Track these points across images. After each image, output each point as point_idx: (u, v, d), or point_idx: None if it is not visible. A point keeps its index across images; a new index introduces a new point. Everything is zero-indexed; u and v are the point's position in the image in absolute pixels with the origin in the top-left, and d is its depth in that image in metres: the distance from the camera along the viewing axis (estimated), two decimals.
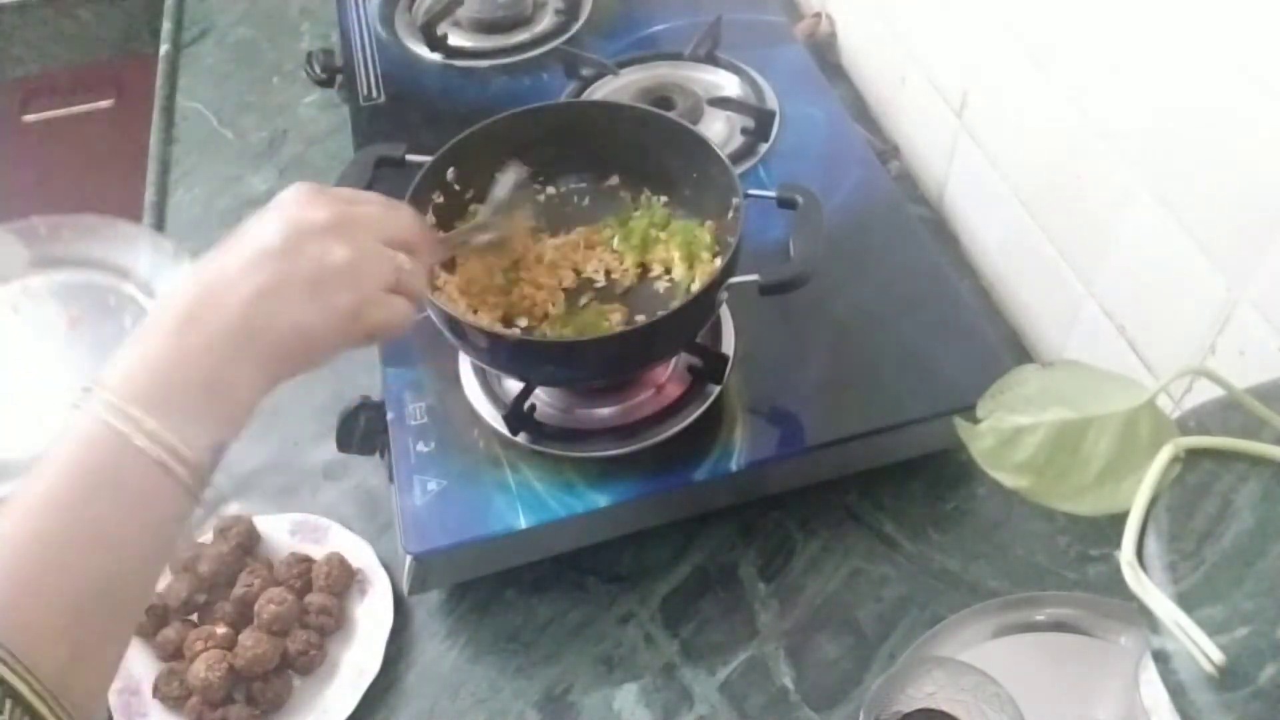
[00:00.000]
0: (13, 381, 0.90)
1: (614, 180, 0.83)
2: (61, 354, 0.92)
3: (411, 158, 0.77)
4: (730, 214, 0.74)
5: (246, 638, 0.71)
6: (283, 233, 0.49)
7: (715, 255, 0.76)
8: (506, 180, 0.73)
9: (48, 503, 0.44)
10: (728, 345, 0.79)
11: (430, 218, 0.75)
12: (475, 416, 0.76)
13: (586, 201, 0.83)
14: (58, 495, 0.44)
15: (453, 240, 0.71)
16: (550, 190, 0.83)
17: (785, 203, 0.74)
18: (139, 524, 0.45)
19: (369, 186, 0.76)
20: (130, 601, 0.47)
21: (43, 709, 0.40)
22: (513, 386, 0.77)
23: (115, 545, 0.45)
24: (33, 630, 0.42)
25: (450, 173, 0.77)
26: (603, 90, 1.02)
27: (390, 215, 0.55)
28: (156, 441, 0.44)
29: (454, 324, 0.68)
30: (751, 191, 0.74)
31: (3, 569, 0.42)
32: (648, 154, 0.80)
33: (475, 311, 0.74)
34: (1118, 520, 0.42)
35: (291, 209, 0.50)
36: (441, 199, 0.76)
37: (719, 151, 0.75)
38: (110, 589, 0.45)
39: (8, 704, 0.39)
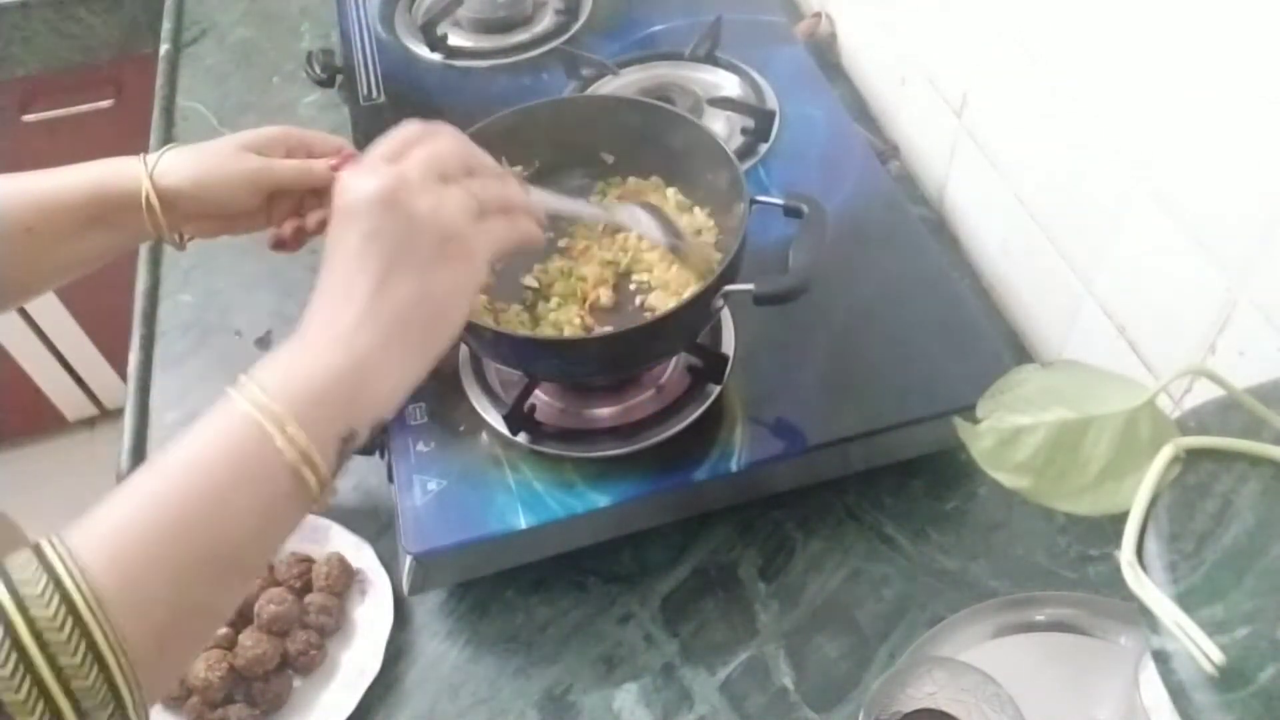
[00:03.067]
0: None
1: (620, 179, 0.82)
2: None
3: None
4: (736, 219, 0.74)
5: (246, 638, 0.71)
6: (356, 229, 0.50)
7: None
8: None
9: (186, 475, 0.46)
10: (728, 345, 0.79)
11: None
12: (475, 416, 0.76)
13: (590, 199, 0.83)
14: (195, 470, 0.46)
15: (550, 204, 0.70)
16: (563, 185, 0.83)
17: (791, 211, 0.74)
18: (259, 519, 0.47)
19: None
20: (230, 591, 0.49)
21: (110, 660, 0.41)
22: (513, 386, 0.77)
23: (232, 534, 0.46)
24: (137, 588, 0.43)
25: None
26: (603, 90, 1.02)
27: (433, 152, 0.54)
28: (295, 445, 0.46)
29: None
30: (760, 198, 0.74)
31: (132, 525, 0.44)
32: (655, 152, 0.80)
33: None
34: (1118, 520, 0.42)
35: (349, 198, 0.51)
36: None
37: (729, 152, 0.74)
38: (216, 574, 0.46)
39: (83, 651, 0.41)
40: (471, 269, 0.52)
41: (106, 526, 0.44)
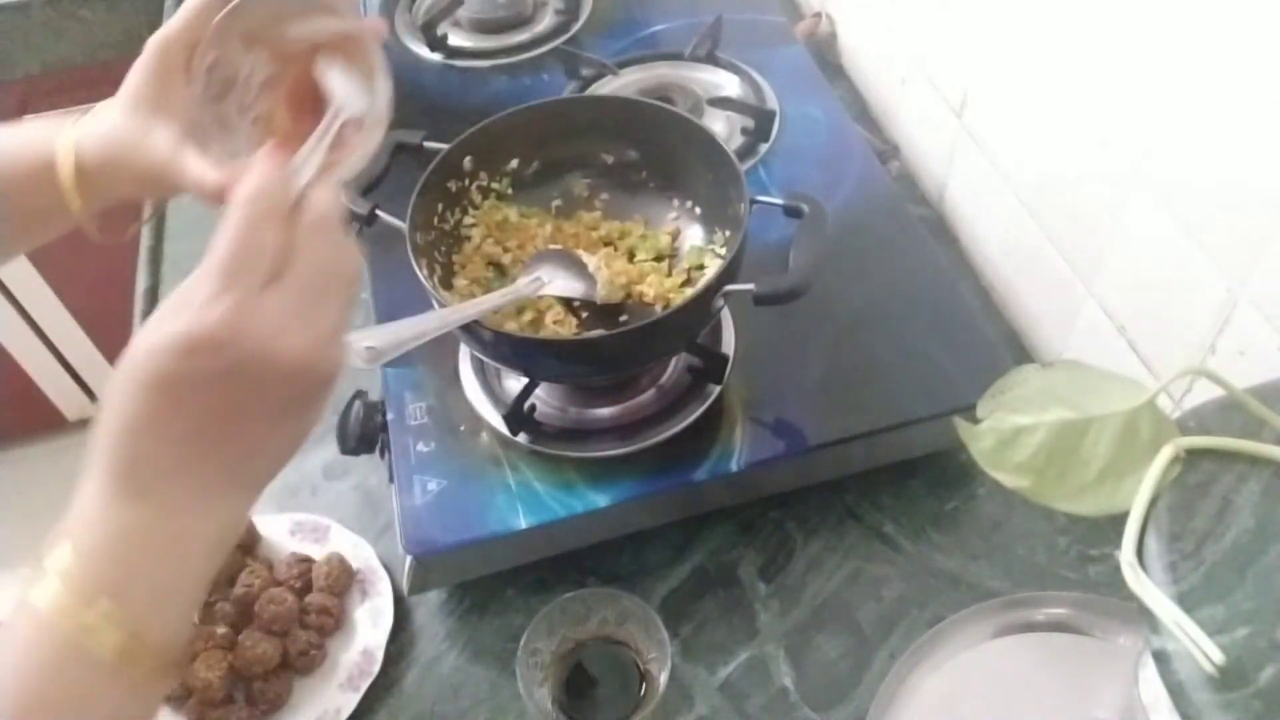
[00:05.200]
0: None
1: (630, 178, 0.82)
2: None
3: (429, 144, 0.78)
4: (736, 219, 0.74)
5: (246, 638, 0.71)
6: (198, 409, 0.40)
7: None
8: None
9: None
10: (728, 345, 0.79)
11: (438, 207, 0.76)
12: (475, 416, 0.76)
13: (605, 195, 0.83)
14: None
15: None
16: (563, 184, 0.83)
17: (791, 211, 0.74)
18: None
19: (385, 171, 0.76)
20: None
21: None
22: (513, 386, 0.77)
23: None
24: None
25: (468, 161, 0.78)
26: (603, 90, 1.02)
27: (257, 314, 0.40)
28: (117, 626, 0.39)
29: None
30: (760, 198, 0.74)
31: None
32: (654, 152, 0.80)
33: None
34: (1118, 520, 0.42)
35: (173, 370, 0.39)
36: (455, 186, 0.78)
37: (729, 152, 0.75)
38: None
39: None
40: (324, 405, 0.44)
41: None
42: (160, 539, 0.40)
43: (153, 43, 0.57)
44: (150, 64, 0.57)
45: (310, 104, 0.53)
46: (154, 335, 0.39)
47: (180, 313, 0.39)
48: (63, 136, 0.58)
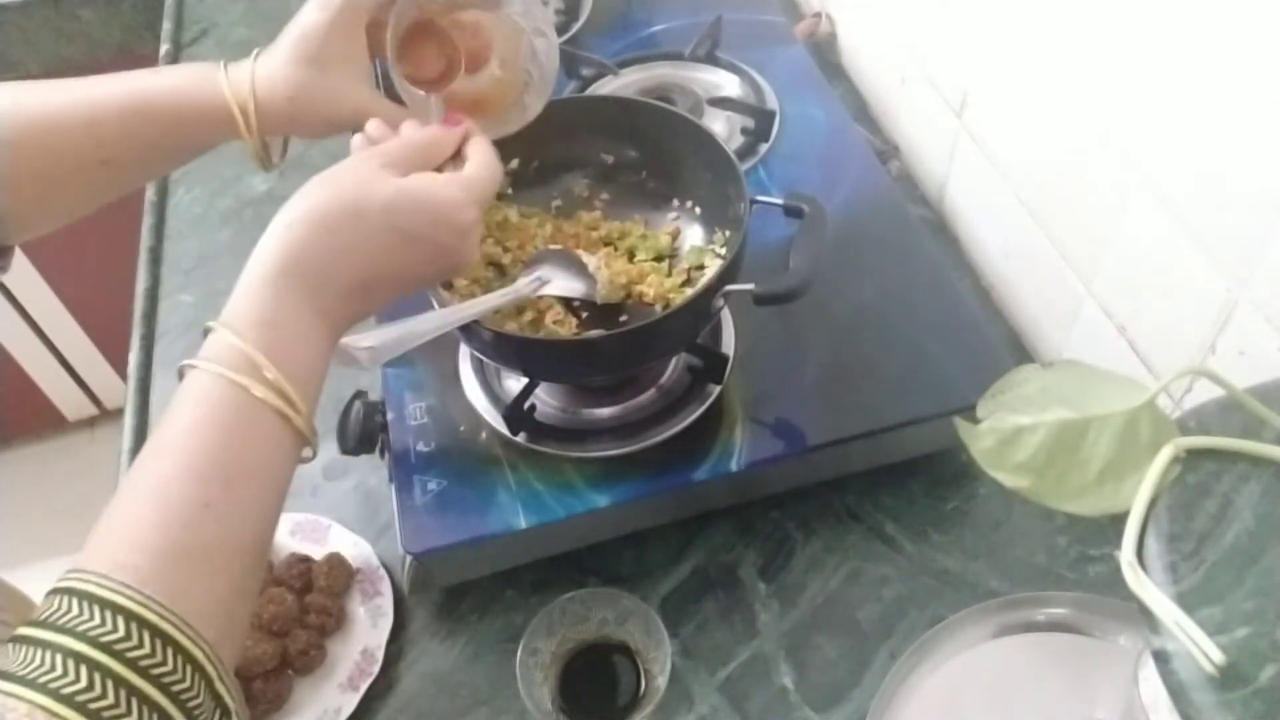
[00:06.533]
0: None
1: (630, 178, 0.82)
2: None
3: None
4: (736, 218, 0.74)
5: (246, 637, 0.71)
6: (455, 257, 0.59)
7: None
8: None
9: (197, 462, 0.45)
10: (728, 345, 0.79)
11: None
12: (475, 416, 0.76)
13: (605, 195, 0.83)
14: (205, 453, 0.46)
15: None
16: (563, 184, 0.83)
17: (792, 211, 0.74)
18: (268, 478, 0.48)
19: None
20: (260, 554, 0.49)
21: (211, 671, 0.42)
22: (513, 386, 0.77)
23: (253, 503, 0.47)
24: (190, 593, 0.43)
25: None
26: (603, 90, 1.02)
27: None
28: (276, 392, 0.47)
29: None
30: (760, 198, 0.74)
31: (167, 534, 0.43)
32: (654, 152, 0.80)
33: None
34: (1118, 520, 0.42)
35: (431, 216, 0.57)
36: None
37: (729, 152, 0.74)
38: (245, 546, 0.47)
39: (188, 670, 0.41)
40: None
41: (141, 541, 0.43)
42: (300, 326, 0.50)
43: (341, 3, 0.63)
44: (340, 21, 0.63)
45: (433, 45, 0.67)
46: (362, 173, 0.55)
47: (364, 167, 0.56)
48: (231, 87, 0.63)
